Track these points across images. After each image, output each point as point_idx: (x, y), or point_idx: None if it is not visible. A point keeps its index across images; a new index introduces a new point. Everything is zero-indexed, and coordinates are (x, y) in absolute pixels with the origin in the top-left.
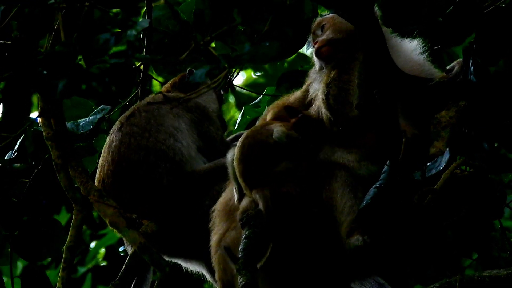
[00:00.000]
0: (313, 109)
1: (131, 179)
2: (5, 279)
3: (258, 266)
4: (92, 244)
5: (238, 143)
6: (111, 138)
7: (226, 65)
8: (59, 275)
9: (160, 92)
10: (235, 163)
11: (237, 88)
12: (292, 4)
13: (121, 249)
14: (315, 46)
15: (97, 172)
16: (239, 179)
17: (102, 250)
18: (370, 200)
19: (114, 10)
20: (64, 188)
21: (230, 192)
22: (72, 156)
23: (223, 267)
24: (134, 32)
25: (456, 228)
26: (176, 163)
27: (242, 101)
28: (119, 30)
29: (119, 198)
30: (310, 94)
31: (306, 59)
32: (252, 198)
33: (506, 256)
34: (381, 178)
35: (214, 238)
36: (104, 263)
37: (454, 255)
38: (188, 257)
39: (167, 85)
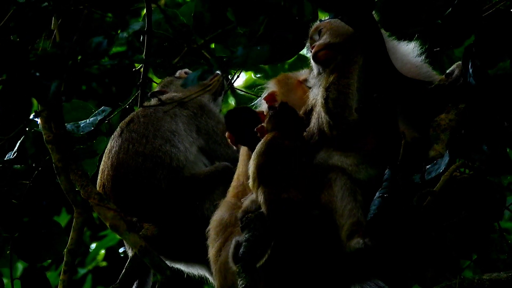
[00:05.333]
0: (313, 116)
1: (130, 185)
2: (5, 280)
3: (258, 266)
4: (93, 246)
5: (265, 141)
6: (111, 144)
7: (218, 68)
8: (60, 278)
9: (157, 92)
10: (255, 155)
11: (238, 90)
12: (292, 6)
13: (121, 250)
14: (313, 51)
15: (98, 177)
16: (252, 171)
17: (102, 252)
18: (377, 211)
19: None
20: (64, 191)
21: (222, 211)
22: (72, 159)
23: (224, 274)
24: (125, 34)
25: (456, 230)
26: (173, 168)
27: (242, 102)
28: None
29: (119, 203)
30: (310, 100)
31: (306, 60)
32: (255, 194)
33: (505, 258)
34: (384, 186)
35: (212, 252)
36: (104, 264)
37: (454, 257)
38: (190, 261)
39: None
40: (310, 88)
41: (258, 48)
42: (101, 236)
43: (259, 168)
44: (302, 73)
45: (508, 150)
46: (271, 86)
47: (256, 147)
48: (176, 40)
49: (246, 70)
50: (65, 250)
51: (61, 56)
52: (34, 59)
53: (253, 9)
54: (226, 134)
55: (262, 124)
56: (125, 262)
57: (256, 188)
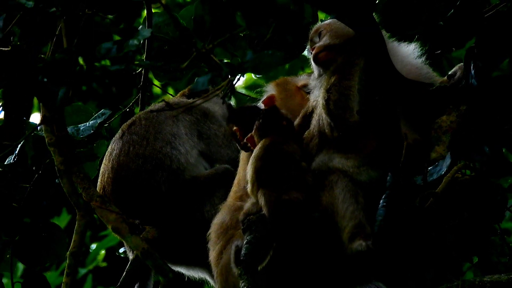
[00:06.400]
0: (314, 118)
1: (130, 187)
2: (5, 281)
3: (259, 268)
4: (93, 246)
5: (262, 145)
6: (112, 146)
7: (228, 73)
8: (63, 280)
9: (163, 100)
10: (253, 160)
11: (238, 90)
12: (294, 9)
13: (121, 250)
14: (313, 52)
15: (99, 180)
16: (251, 175)
17: (103, 252)
18: (383, 223)
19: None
20: (67, 194)
21: (223, 214)
22: (74, 162)
23: (226, 277)
24: (135, 42)
25: (457, 232)
26: (173, 171)
27: (243, 103)
28: (119, 38)
29: (119, 205)
30: (311, 103)
31: (306, 61)
32: (255, 198)
33: (506, 261)
34: (387, 194)
35: (213, 255)
36: (104, 265)
37: (455, 259)
38: (190, 264)
39: (177, 96)
40: (308, 93)
41: (270, 52)
42: (102, 236)
43: (257, 172)
44: (301, 78)
45: (506, 152)
46: (270, 89)
47: (254, 152)
48: (178, 43)
49: (257, 75)
50: (68, 253)
51: (69, 62)
52: (41, 64)
53: (263, 13)
54: (234, 128)
55: (252, 134)
56: (126, 263)
57: (255, 192)
